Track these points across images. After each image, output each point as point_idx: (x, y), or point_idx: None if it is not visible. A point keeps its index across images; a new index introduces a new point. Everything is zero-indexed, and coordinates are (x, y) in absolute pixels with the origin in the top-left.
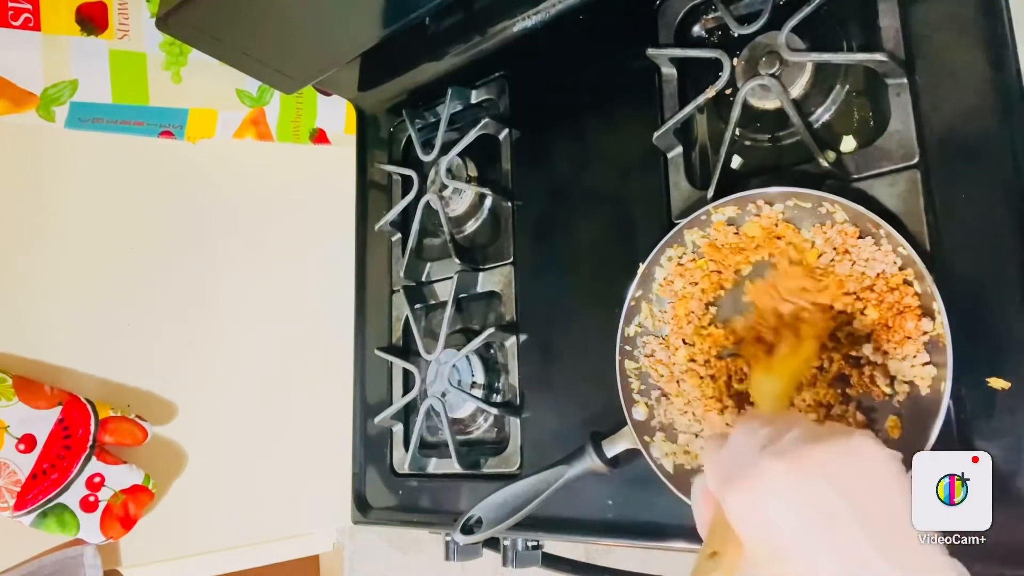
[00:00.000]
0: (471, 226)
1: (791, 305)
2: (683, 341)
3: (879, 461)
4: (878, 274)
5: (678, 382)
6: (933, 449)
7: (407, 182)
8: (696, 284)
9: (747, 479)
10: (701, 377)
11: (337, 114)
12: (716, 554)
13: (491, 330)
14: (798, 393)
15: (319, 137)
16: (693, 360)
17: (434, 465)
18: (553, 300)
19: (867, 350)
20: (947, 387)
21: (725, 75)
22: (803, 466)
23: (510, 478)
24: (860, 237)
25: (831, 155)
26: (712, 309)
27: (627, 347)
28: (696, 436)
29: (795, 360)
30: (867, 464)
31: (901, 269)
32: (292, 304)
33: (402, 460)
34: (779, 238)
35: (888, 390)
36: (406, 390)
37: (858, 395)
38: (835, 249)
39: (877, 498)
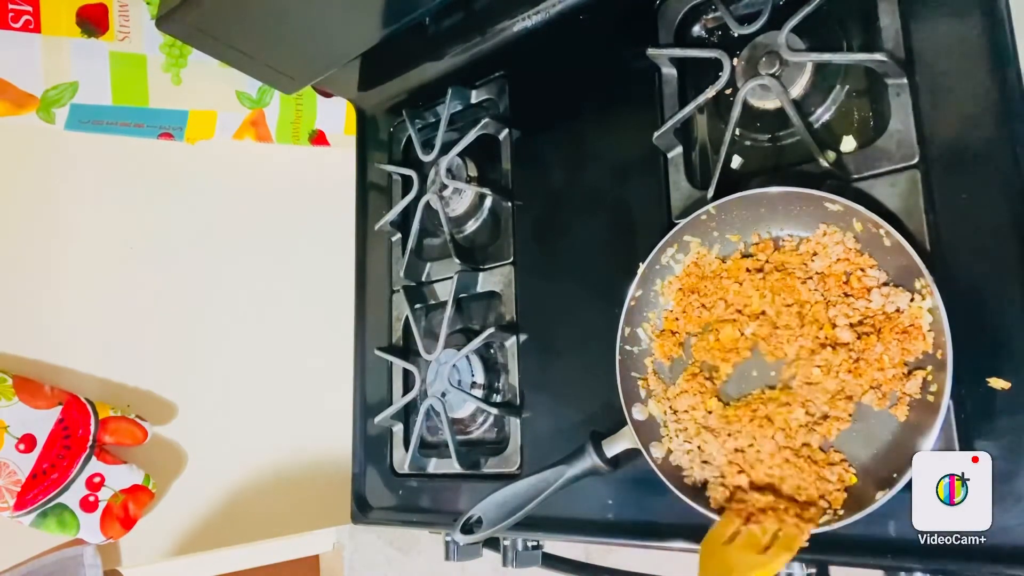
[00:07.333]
0: (471, 226)
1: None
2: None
3: None
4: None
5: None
6: (933, 449)
7: (407, 182)
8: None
9: None
10: (695, 375)
11: (337, 115)
12: None
13: (491, 330)
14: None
15: (318, 138)
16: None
17: (434, 465)
18: (553, 300)
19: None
20: (947, 387)
21: (725, 75)
22: None
23: (510, 478)
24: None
25: (831, 155)
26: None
27: (627, 347)
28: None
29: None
30: None
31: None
32: (292, 304)
33: (402, 460)
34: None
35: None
36: (406, 390)
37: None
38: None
39: None
